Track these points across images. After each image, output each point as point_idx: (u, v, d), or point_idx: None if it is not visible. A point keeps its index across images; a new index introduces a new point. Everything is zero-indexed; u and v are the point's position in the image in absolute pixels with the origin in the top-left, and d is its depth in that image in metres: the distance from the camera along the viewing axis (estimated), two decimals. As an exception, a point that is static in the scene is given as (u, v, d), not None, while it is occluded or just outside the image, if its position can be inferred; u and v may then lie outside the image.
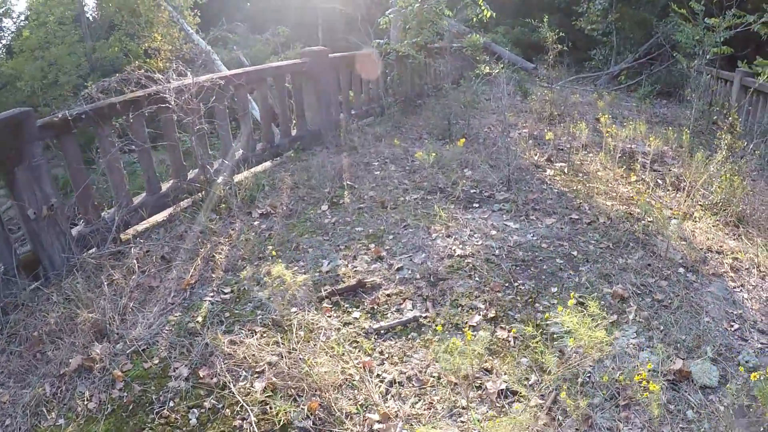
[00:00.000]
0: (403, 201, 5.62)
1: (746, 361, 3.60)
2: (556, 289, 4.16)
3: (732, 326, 3.94)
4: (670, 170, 6.57)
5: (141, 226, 5.11)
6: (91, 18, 19.93)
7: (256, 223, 5.26)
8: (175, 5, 15.63)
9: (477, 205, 5.54)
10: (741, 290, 4.37)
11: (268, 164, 6.75)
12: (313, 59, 7.28)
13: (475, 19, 11.56)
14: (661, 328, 3.81)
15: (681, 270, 4.48)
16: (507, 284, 4.22)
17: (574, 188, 5.93)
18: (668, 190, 6.02)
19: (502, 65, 10.46)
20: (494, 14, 11.10)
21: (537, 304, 4.02)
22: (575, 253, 4.64)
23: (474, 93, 9.44)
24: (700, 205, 5.57)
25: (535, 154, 6.96)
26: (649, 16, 13.57)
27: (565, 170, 6.46)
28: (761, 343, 3.84)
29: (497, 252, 4.63)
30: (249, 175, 6.10)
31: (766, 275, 4.55)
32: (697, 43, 8.62)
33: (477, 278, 4.29)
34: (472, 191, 5.87)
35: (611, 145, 6.66)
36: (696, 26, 8.22)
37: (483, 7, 10.89)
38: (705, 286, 4.36)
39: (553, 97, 9.10)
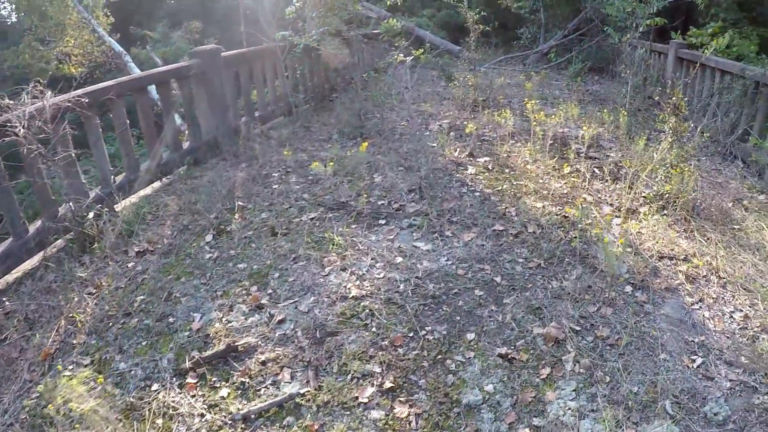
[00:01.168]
0: (297, 224, 4.63)
1: (714, 413, 2.81)
2: (473, 336, 3.28)
3: (694, 361, 3.18)
4: (607, 156, 5.80)
5: (11, 277, 4.08)
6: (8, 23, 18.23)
7: (131, 264, 4.22)
8: (86, 5, 14.15)
9: (383, 222, 4.60)
10: (700, 307, 3.60)
11: (157, 185, 5.63)
12: (204, 60, 6.17)
13: (389, 3, 10.63)
14: (608, 379, 2.98)
15: (628, 289, 3.67)
16: (412, 333, 3.30)
17: (500, 188, 5.07)
18: (606, 181, 5.23)
19: (422, 50, 9.54)
20: None
21: (448, 361, 3.11)
22: (498, 279, 3.77)
23: (388, 83, 8.49)
24: (644, 197, 4.79)
25: (456, 150, 6.07)
26: (578, -10, 12.94)
27: (490, 166, 5.59)
28: (730, 381, 3.08)
29: (402, 287, 3.70)
30: (132, 203, 5.01)
31: (727, 283, 3.78)
32: (628, 15, 7.91)
33: (374, 328, 3.36)
34: (379, 203, 4.92)
35: (540, 133, 5.83)
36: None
37: None
38: (658, 306, 3.56)
39: (476, 82, 8.23)
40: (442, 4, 18.14)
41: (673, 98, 4.41)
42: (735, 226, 4.45)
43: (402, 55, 9.01)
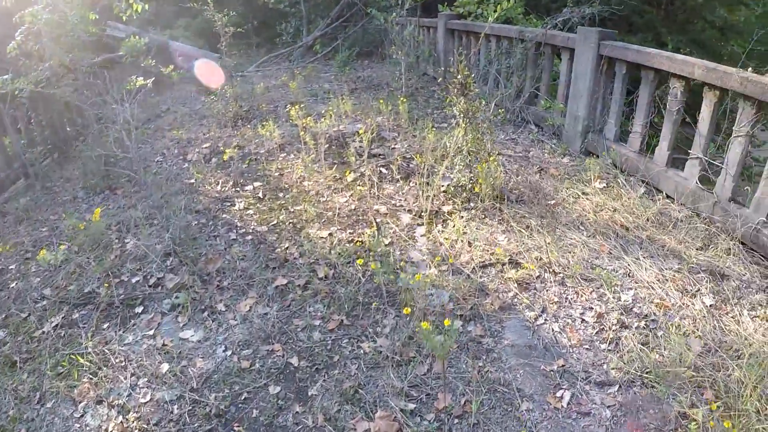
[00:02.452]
0: (39, 340, 3.11)
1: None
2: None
3: (561, 399, 2.41)
4: (393, 150, 4.97)
5: None
6: None
7: None
8: None
9: (140, 310, 3.24)
10: (545, 319, 2.87)
11: None
12: None
13: (125, 17, 8.87)
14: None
15: (458, 325, 2.76)
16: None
17: (275, 223, 3.95)
18: (398, 180, 4.38)
19: (171, 67, 8.01)
20: (146, 6, 8.47)
21: None
22: (295, 360, 2.70)
23: (135, 114, 6.91)
24: (444, 193, 3.99)
25: (218, 182, 4.80)
26: (337, -24, 12.34)
27: (261, 193, 4.45)
28: (609, 408, 2.45)
29: (176, 411, 2.45)
30: None
31: (565, 277, 3.10)
32: None
33: None
34: (134, 281, 3.54)
35: (312, 142, 4.81)
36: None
37: (131, 1, 8.18)
38: (498, 337, 2.75)
39: (234, 92, 6.99)
40: (198, 11, 16.49)
41: (459, 76, 3.66)
42: (550, 202, 3.87)
43: (142, 78, 7.42)
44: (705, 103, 3.65)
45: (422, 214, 3.75)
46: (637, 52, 4.05)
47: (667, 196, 3.96)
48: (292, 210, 4.06)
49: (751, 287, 3.14)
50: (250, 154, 5.45)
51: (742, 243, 3.39)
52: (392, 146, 5.02)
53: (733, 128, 3.53)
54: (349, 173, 4.38)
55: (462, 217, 3.70)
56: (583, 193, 4.00)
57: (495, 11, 5.36)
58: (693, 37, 9.65)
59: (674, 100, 3.85)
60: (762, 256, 3.37)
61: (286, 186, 4.52)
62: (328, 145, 4.98)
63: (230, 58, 9.20)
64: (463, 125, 3.67)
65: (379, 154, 4.79)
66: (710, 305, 2.97)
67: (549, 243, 3.33)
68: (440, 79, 4.43)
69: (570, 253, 3.31)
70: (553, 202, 3.85)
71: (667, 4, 9.81)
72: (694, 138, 3.80)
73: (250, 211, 4.22)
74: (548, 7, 10.61)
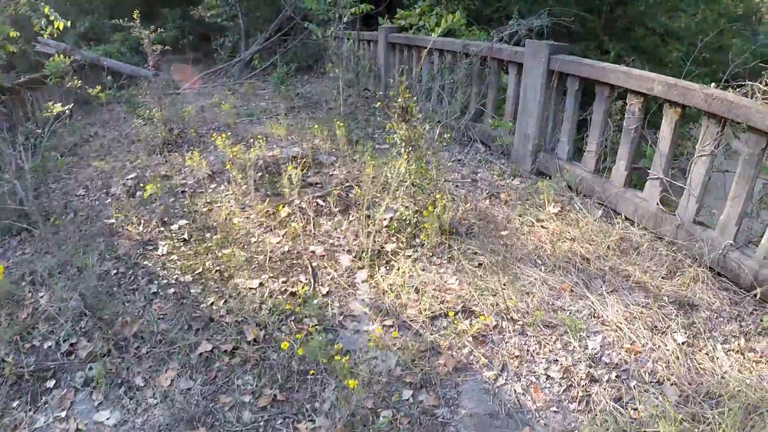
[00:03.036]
0: None
1: None
2: None
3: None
4: (331, 177, 4.56)
5: None
6: None
7: None
8: None
9: (53, 384, 2.74)
10: (506, 379, 2.53)
11: None
12: None
13: (45, 35, 8.19)
14: None
15: (407, 395, 2.38)
16: None
17: (200, 271, 3.47)
18: (336, 215, 3.97)
19: (99, 87, 7.37)
20: (68, 23, 7.81)
21: None
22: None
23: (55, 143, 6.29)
24: (386, 228, 3.60)
25: (141, 221, 4.27)
26: (276, -11, 11.83)
27: (187, 234, 3.96)
28: None
29: None
30: None
31: (525, 324, 2.77)
32: (330, 6, 6.88)
33: None
34: (46, 347, 3.01)
35: (238, 176, 4.35)
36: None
37: (52, 17, 7.50)
38: (455, 406, 2.40)
39: (161, 116, 6.42)
40: (140, 25, 15.67)
41: (399, 100, 3.28)
42: (503, 232, 3.53)
43: (60, 105, 6.79)
44: (665, 121, 3.40)
45: (363, 255, 3.34)
46: (592, 67, 3.78)
47: (626, 219, 3.71)
48: (219, 255, 3.59)
49: (722, 317, 2.89)
50: (178, 186, 4.93)
51: (710, 268, 3.15)
52: (330, 173, 4.60)
53: (696, 147, 3.30)
54: (283, 207, 3.94)
55: (408, 256, 3.31)
56: (538, 220, 3.69)
57: (438, 25, 5.04)
58: (634, 45, 9.64)
59: (632, 117, 3.58)
60: (730, 280, 3.14)
61: (215, 224, 4.04)
62: (260, 174, 4.52)
63: (153, 80, 8.63)
64: (406, 155, 3.29)
65: (316, 183, 4.36)
66: (682, 342, 2.69)
67: (505, 285, 2.99)
68: (379, 104, 4.01)
69: (528, 294, 2.97)
70: (506, 232, 3.51)
71: (607, 12, 9.77)
72: (654, 157, 3.54)
73: (174, 257, 3.72)
74: (490, 18, 10.42)
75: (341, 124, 4.97)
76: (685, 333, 2.75)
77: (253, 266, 3.40)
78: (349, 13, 6.41)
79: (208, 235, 3.92)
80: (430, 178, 3.39)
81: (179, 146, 6.14)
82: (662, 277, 3.16)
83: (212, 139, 5.87)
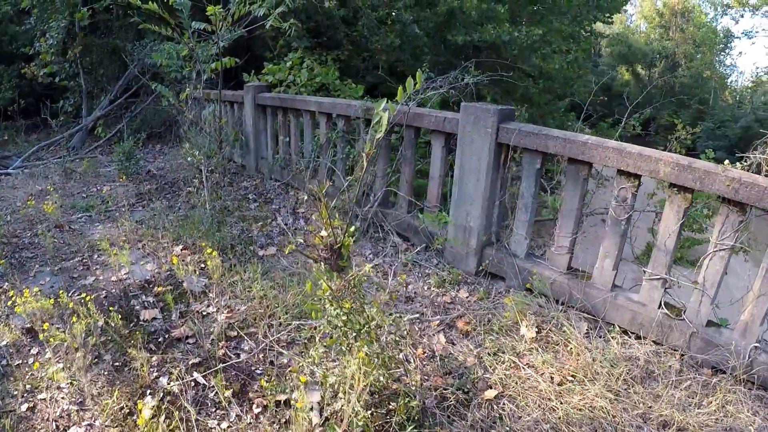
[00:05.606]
0: None
1: None
2: None
3: None
4: (206, 317, 3.15)
5: None
6: None
7: None
8: None
9: None
10: None
11: None
12: None
13: None
14: None
15: None
16: None
17: None
18: (229, 406, 2.53)
19: None
20: None
21: None
22: None
23: None
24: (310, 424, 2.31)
25: None
26: (121, 43, 9.75)
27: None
28: None
29: None
30: None
31: None
32: (186, 62, 5.37)
33: None
34: None
35: (69, 337, 2.81)
36: (182, 39, 4.76)
37: None
38: None
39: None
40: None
41: (323, 234, 1.92)
42: (486, 396, 2.38)
43: None
44: (670, 208, 2.51)
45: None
46: (564, 140, 2.78)
47: (621, 329, 2.78)
48: None
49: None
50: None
51: (734, 377, 2.43)
52: (204, 310, 3.16)
53: (712, 239, 2.43)
54: (143, 405, 2.39)
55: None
56: (517, 355, 2.60)
57: (311, 79, 3.87)
58: (507, 88, 9.26)
59: (621, 205, 2.65)
60: (762, 387, 2.43)
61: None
62: (103, 320, 2.99)
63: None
64: (354, 344, 1.97)
65: (187, 337, 2.90)
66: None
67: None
68: (256, 204, 2.70)
69: None
70: (492, 393, 2.35)
71: (477, 57, 9.32)
72: (653, 252, 2.64)
73: None
74: (359, 69, 9.50)
75: (209, 231, 3.60)
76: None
77: None
78: (210, 69, 5.03)
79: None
80: (385, 358, 2.12)
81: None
82: (696, 407, 2.27)
83: (42, 244, 4.21)
